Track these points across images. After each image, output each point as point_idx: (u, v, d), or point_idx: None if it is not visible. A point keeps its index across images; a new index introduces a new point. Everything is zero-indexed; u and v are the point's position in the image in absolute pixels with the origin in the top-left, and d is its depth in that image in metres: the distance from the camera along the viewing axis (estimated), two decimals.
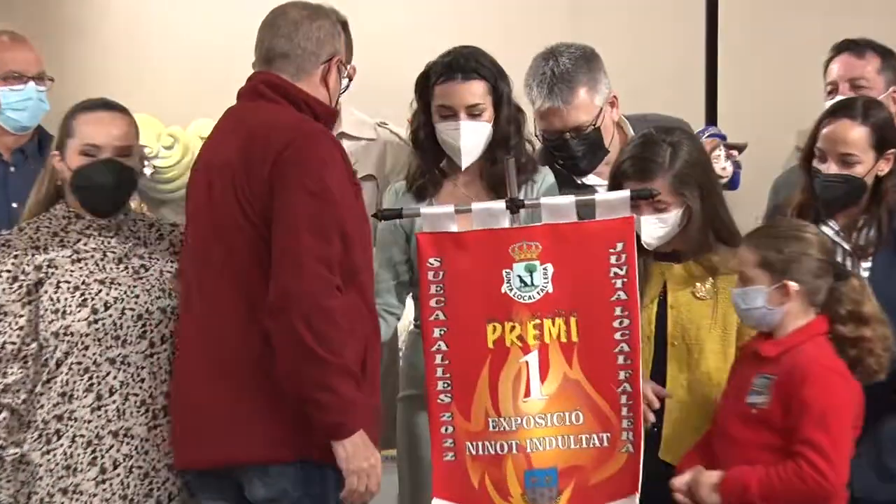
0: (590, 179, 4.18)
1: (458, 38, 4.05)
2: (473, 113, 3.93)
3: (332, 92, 3.65)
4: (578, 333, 3.56)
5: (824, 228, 3.79)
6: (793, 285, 3.54)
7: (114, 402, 3.57)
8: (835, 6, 5.22)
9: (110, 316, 3.58)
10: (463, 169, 3.99)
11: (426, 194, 4.01)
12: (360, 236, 3.55)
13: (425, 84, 3.98)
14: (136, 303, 3.61)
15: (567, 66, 4.07)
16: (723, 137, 4.56)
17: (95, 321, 3.57)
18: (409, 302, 4.20)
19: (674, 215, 3.77)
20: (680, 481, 3.57)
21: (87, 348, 3.56)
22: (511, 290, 3.57)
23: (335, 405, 3.40)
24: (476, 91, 3.94)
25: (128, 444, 3.58)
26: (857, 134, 3.76)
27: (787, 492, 3.44)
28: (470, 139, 3.94)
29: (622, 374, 3.56)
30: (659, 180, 3.73)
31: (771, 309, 3.56)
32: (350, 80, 3.90)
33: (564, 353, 3.57)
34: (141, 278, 3.65)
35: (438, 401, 3.61)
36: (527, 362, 3.57)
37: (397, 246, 4.06)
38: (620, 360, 3.56)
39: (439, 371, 3.60)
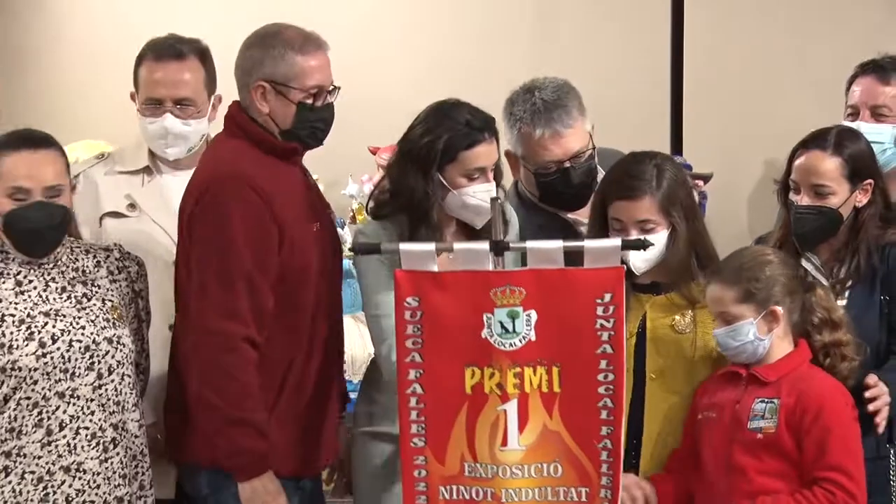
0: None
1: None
2: (492, 170, 3.85)
3: (272, 115, 3.77)
4: (561, 384, 3.42)
5: (805, 263, 3.77)
6: (779, 310, 3.56)
7: (64, 436, 3.51)
8: (798, 33, 5.23)
9: (58, 349, 3.50)
10: (479, 227, 3.86)
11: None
12: (295, 270, 3.72)
13: (445, 152, 3.77)
14: (82, 334, 3.54)
15: (556, 94, 4.05)
16: (688, 167, 4.56)
17: (43, 355, 3.49)
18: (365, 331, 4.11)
19: (661, 236, 3.73)
20: None
21: (35, 383, 3.49)
22: (491, 335, 3.43)
23: (231, 452, 3.65)
24: (496, 147, 3.87)
25: (80, 478, 3.53)
26: (828, 165, 3.73)
27: None
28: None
29: (604, 430, 3.43)
30: (647, 199, 3.70)
31: (762, 339, 3.56)
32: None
33: (545, 403, 3.44)
34: (85, 308, 3.57)
35: (412, 444, 3.48)
36: (505, 411, 3.44)
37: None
38: (603, 414, 3.42)
39: (413, 414, 3.47)
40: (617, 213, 3.72)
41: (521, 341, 3.42)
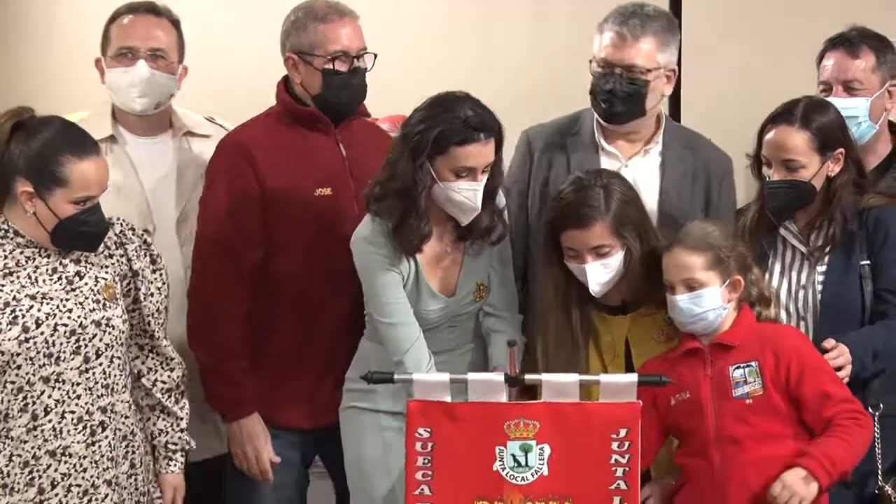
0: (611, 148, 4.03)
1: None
2: (486, 170, 3.76)
3: (304, 85, 3.99)
4: None
5: (783, 232, 3.82)
6: (741, 280, 3.59)
7: (49, 421, 3.44)
8: (797, 5, 5.14)
9: (42, 333, 3.42)
10: (464, 224, 3.81)
11: (416, 251, 3.78)
12: (281, 233, 3.92)
13: (437, 143, 3.70)
14: (68, 318, 3.45)
15: (650, 12, 3.96)
16: None
17: (26, 339, 3.41)
18: None
19: (616, 259, 3.70)
20: (776, 490, 3.43)
21: (19, 367, 3.41)
22: (504, 468, 3.38)
23: (212, 398, 4.00)
24: (492, 149, 3.76)
25: (65, 462, 3.46)
26: (797, 140, 3.75)
27: (862, 444, 3.50)
28: (481, 196, 3.77)
29: None
30: (598, 225, 3.67)
31: (725, 307, 3.58)
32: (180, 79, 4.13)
33: None
34: (74, 290, 3.48)
35: None
36: None
37: (400, 286, 3.83)
38: None
39: None
40: (570, 242, 3.69)
41: (533, 475, 3.36)
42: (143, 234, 3.64)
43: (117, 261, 3.57)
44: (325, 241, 3.93)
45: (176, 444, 3.69)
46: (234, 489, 4.10)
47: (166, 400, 3.67)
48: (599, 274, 3.68)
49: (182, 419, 3.69)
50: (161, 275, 3.64)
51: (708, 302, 3.56)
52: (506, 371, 3.44)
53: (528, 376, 3.45)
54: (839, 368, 3.59)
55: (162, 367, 3.67)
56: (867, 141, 4.04)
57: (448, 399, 3.40)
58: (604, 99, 3.94)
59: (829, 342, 3.61)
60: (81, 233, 3.47)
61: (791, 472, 3.44)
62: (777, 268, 3.87)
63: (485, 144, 3.71)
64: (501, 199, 3.88)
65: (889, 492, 3.68)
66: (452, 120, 3.68)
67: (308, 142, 4.00)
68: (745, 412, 3.51)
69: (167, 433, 3.68)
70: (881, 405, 3.68)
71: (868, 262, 3.75)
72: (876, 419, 3.64)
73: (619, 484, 3.33)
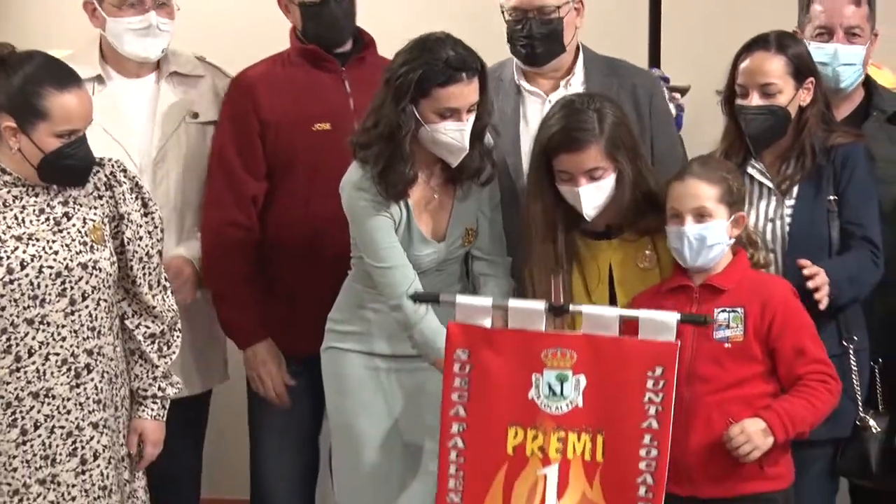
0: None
1: None
2: (471, 110, 3.73)
3: (295, 24, 4.15)
4: (604, 454, 3.37)
5: (750, 170, 3.82)
6: (744, 215, 3.63)
7: (33, 363, 3.43)
8: None
9: (27, 275, 3.41)
10: (454, 166, 3.78)
11: (401, 196, 3.76)
12: (280, 164, 4.05)
13: (419, 86, 3.68)
14: (54, 260, 3.44)
15: None
16: (666, 80, 4.52)
17: (11, 281, 3.40)
18: None
19: (609, 181, 3.69)
20: (734, 432, 3.49)
21: (3, 309, 3.41)
22: (538, 396, 3.39)
23: (223, 324, 4.16)
24: (476, 89, 3.72)
25: (49, 404, 3.45)
26: (774, 64, 3.78)
27: (825, 408, 3.54)
28: (468, 137, 3.74)
29: None
30: (593, 148, 3.65)
31: (728, 242, 3.60)
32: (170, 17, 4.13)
33: (587, 472, 3.37)
34: (62, 230, 3.47)
35: (448, 499, 3.44)
36: (545, 475, 3.38)
37: (392, 230, 3.82)
38: (641, 491, 3.34)
39: (452, 468, 3.43)
40: (563, 166, 3.68)
41: (567, 406, 3.37)
42: (135, 177, 3.61)
43: (106, 202, 3.54)
44: (324, 175, 3.96)
45: (146, 390, 3.65)
46: (252, 413, 4.25)
47: (146, 346, 3.63)
48: (593, 197, 3.67)
49: (158, 367, 3.65)
50: (152, 219, 3.60)
51: (715, 234, 3.56)
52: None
53: (571, 307, 3.44)
54: (816, 289, 3.59)
55: (146, 313, 3.64)
56: (850, 90, 4.05)
57: (488, 324, 3.41)
58: (523, 45, 3.98)
59: (805, 261, 3.61)
60: (68, 167, 3.44)
61: (752, 421, 3.48)
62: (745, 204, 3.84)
63: (467, 84, 3.68)
64: (490, 140, 3.86)
65: (870, 423, 3.74)
66: (433, 62, 3.65)
67: (311, 78, 4.10)
68: (722, 355, 3.53)
69: (142, 379, 3.65)
70: (855, 338, 3.74)
71: (835, 197, 3.77)
72: (851, 353, 3.73)
73: (651, 423, 3.32)
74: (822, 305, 3.62)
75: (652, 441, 3.32)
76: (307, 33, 4.11)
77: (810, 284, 3.61)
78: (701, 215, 3.56)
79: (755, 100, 3.77)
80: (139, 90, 4.13)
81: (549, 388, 3.37)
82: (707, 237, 3.56)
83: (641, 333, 3.35)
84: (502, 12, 4.01)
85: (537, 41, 3.97)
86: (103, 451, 3.52)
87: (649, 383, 3.33)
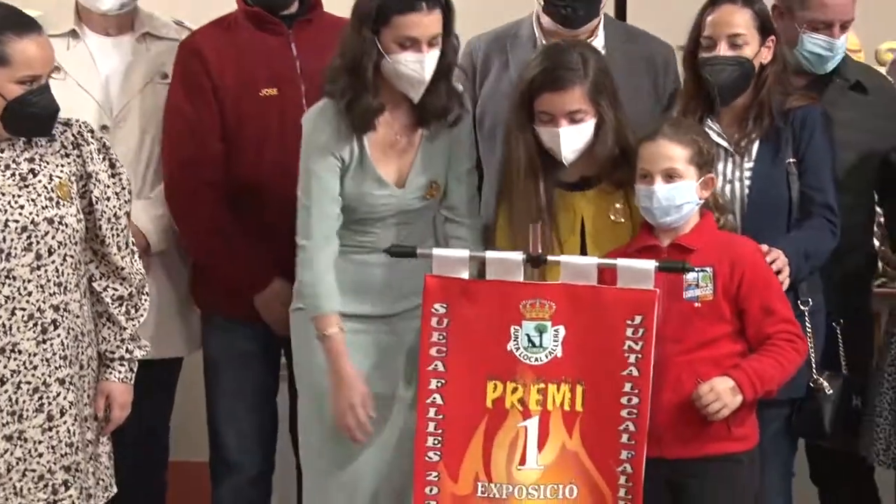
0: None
1: None
2: (433, 44, 3.66)
3: None
4: (584, 403, 3.37)
5: (707, 130, 3.77)
6: (713, 177, 3.61)
7: None
8: None
9: None
10: (416, 101, 3.71)
11: (367, 128, 3.70)
12: (231, 128, 3.99)
13: (379, 13, 3.65)
14: (20, 214, 3.40)
15: None
16: None
17: None
18: None
19: (590, 126, 3.64)
20: (703, 391, 3.48)
21: None
22: (518, 348, 3.38)
23: (226, 280, 4.06)
24: (437, 21, 3.66)
25: (15, 359, 3.40)
26: (742, 15, 3.78)
27: (791, 367, 3.55)
28: (430, 70, 3.67)
29: (624, 454, 3.36)
30: (577, 89, 3.61)
31: (698, 203, 3.59)
32: None
33: (566, 422, 3.38)
34: (27, 186, 3.43)
35: (426, 458, 3.43)
36: (525, 428, 3.39)
37: (332, 173, 3.74)
38: (624, 438, 3.36)
39: (431, 426, 3.42)
40: (545, 106, 3.63)
41: (547, 356, 3.37)
42: (101, 138, 3.58)
43: (73, 160, 3.51)
44: (273, 141, 3.94)
45: (114, 352, 3.58)
46: (208, 375, 4.16)
47: (114, 308, 3.58)
48: (573, 140, 3.62)
49: (125, 329, 3.58)
50: (120, 180, 3.56)
51: (685, 194, 3.55)
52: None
53: (549, 257, 3.43)
54: (779, 272, 3.62)
55: (114, 275, 3.58)
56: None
57: (466, 276, 3.40)
58: (564, 5, 3.93)
59: (763, 246, 3.63)
60: (32, 115, 3.41)
61: (721, 380, 3.48)
62: None
63: (427, 14, 3.63)
64: (459, 85, 3.82)
65: (823, 384, 3.75)
66: None
67: (256, 42, 4.03)
68: (692, 315, 3.52)
69: (109, 342, 3.59)
70: (810, 301, 3.74)
71: (795, 160, 3.78)
72: (806, 315, 3.73)
73: (631, 370, 3.33)
74: (784, 286, 3.64)
75: (633, 389, 3.33)
76: None
77: (772, 267, 3.63)
78: (670, 176, 3.54)
79: (723, 51, 3.76)
80: (112, 48, 4.09)
81: (529, 339, 3.36)
82: (676, 197, 3.54)
83: (620, 282, 3.36)
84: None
85: (579, 3, 3.92)
86: (70, 407, 3.47)
87: (629, 331, 3.33)
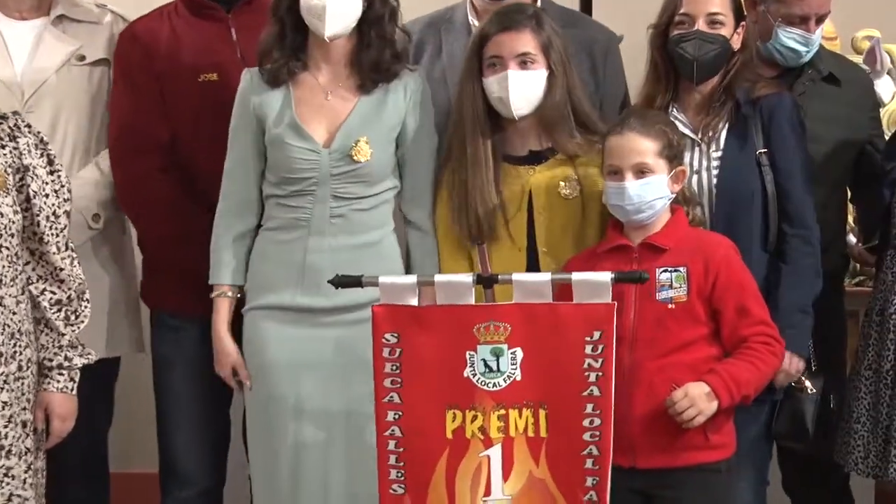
0: None
1: None
2: None
3: None
4: (548, 428, 3.23)
5: (672, 120, 3.68)
6: (684, 170, 3.53)
7: None
8: None
9: None
10: (327, 37, 3.57)
11: (278, 80, 3.63)
12: (172, 114, 3.89)
13: None
14: None
15: None
16: None
17: None
18: None
19: (539, 76, 3.57)
20: (677, 397, 3.37)
21: None
22: (474, 374, 3.25)
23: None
24: None
25: None
26: None
27: (769, 370, 3.46)
28: (338, 3, 3.54)
29: (589, 481, 3.22)
30: (528, 32, 3.57)
31: (669, 197, 3.49)
32: None
33: (531, 449, 3.24)
34: None
35: (391, 491, 3.29)
36: (488, 457, 3.25)
37: (252, 135, 3.70)
38: (588, 463, 3.21)
39: (392, 458, 3.29)
40: (496, 49, 3.57)
41: (505, 381, 3.23)
42: (39, 133, 3.48)
43: (10, 152, 3.40)
44: (213, 127, 3.80)
45: (52, 360, 3.46)
46: (158, 381, 4.03)
47: (52, 313, 3.46)
48: (522, 85, 3.52)
49: (64, 335, 3.46)
50: (59, 178, 3.46)
51: (657, 189, 3.44)
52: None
53: (500, 276, 3.30)
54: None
55: (52, 277, 3.46)
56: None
57: (414, 303, 3.27)
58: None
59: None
60: None
61: (696, 385, 3.37)
62: None
63: None
64: (404, 45, 3.70)
65: (805, 384, 3.67)
66: None
67: (195, 29, 3.94)
68: (665, 316, 3.41)
69: (47, 349, 3.47)
70: None
71: (765, 150, 3.66)
72: None
73: (591, 390, 3.19)
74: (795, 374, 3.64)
75: (594, 410, 3.19)
76: None
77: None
78: (641, 171, 3.44)
79: (701, 28, 3.66)
80: (26, 31, 4.00)
81: (485, 364, 3.24)
82: (648, 193, 3.44)
83: (576, 297, 3.23)
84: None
85: None
86: (2, 407, 3.35)
87: (588, 349, 3.20)
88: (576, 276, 3.24)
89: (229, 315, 3.69)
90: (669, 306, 3.42)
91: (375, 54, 3.62)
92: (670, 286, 3.43)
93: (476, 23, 3.85)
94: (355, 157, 3.60)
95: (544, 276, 3.25)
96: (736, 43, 3.68)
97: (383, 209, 3.67)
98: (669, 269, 3.43)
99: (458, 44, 3.84)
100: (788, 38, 3.86)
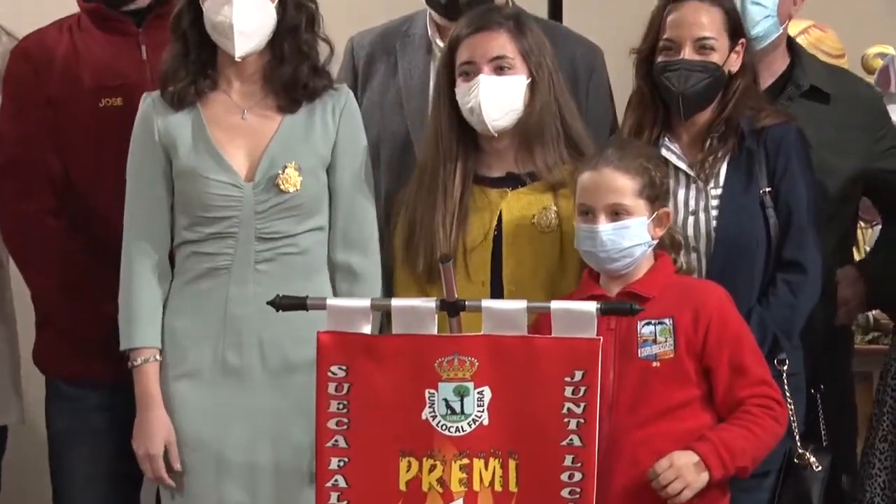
0: None
1: None
2: None
3: None
4: (518, 482, 2.89)
5: (665, 152, 3.39)
6: (668, 212, 3.24)
7: None
8: None
9: None
10: (237, 57, 3.26)
11: (184, 101, 3.31)
12: (70, 140, 3.56)
13: None
14: None
15: None
16: None
17: None
18: None
19: (517, 83, 3.28)
20: (661, 467, 3.07)
21: None
22: (434, 416, 2.91)
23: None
24: None
25: None
26: (711, 14, 3.39)
27: (769, 439, 3.17)
28: (247, 16, 3.24)
29: None
30: (504, 34, 3.29)
31: (651, 242, 3.20)
32: None
33: None
34: None
35: None
36: None
37: (160, 167, 3.36)
38: None
39: None
40: (468, 54, 3.29)
41: (470, 425, 2.90)
42: None
43: None
44: (116, 161, 3.44)
45: None
46: (53, 454, 3.68)
47: None
48: (496, 91, 3.22)
49: None
50: None
51: (635, 234, 3.15)
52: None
53: (468, 302, 2.93)
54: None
55: None
56: (766, 50, 3.61)
57: (367, 330, 2.93)
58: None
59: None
60: None
61: (683, 454, 3.06)
62: None
63: None
64: (326, 58, 3.37)
65: (810, 459, 3.32)
66: None
67: (99, 46, 3.61)
68: (650, 376, 3.11)
69: None
70: (787, 361, 3.29)
71: (770, 189, 3.36)
72: (784, 377, 3.28)
73: (571, 439, 2.85)
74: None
75: (575, 462, 2.85)
76: None
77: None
78: (616, 213, 3.14)
79: (688, 55, 3.35)
80: None
81: (447, 404, 2.90)
82: (623, 239, 3.14)
83: (555, 330, 2.89)
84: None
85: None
86: None
87: (568, 391, 2.86)
88: (555, 304, 2.90)
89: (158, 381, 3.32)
90: (654, 364, 3.12)
91: (290, 70, 3.30)
92: (654, 341, 3.13)
93: (439, 42, 3.56)
94: (282, 187, 3.27)
95: (519, 304, 2.90)
96: (735, 64, 3.38)
97: (317, 252, 3.32)
98: (653, 321, 3.12)
99: (417, 63, 3.58)
100: None
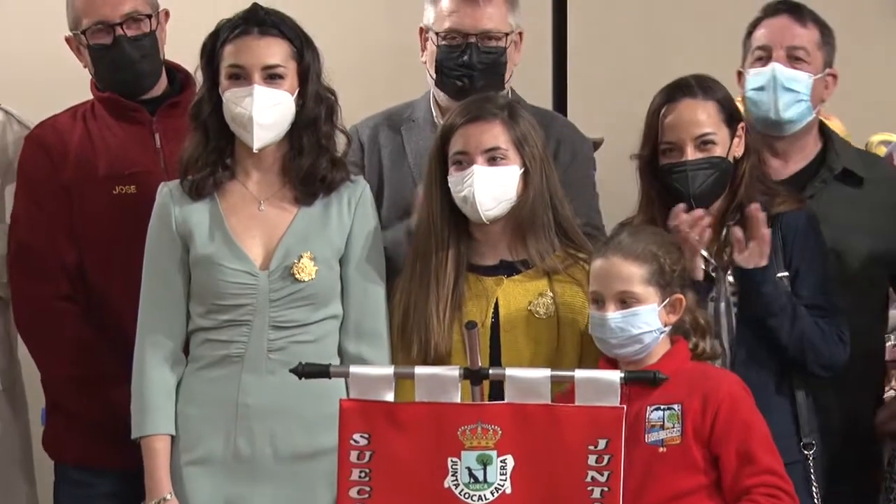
0: None
1: None
2: (272, 75, 3.27)
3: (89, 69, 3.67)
4: None
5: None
6: (681, 298, 3.18)
7: None
8: None
9: None
10: (256, 149, 3.27)
11: (203, 191, 3.31)
12: (84, 230, 3.56)
13: (213, 45, 3.31)
14: None
15: None
16: None
17: None
18: None
19: (511, 173, 3.27)
20: None
21: None
22: (457, 485, 2.87)
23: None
24: (276, 51, 3.28)
25: None
26: (707, 110, 3.39)
27: None
28: (266, 109, 3.26)
29: None
30: (498, 125, 3.28)
31: (663, 330, 3.16)
32: None
33: None
34: None
35: None
36: None
37: (178, 257, 3.35)
38: None
39: None
40: (461, 144, 3.27)
41: (493, 493, 2.86)
42: None
43: None
44: (129, 249, 3.44)
45: None
46: None
47: None
48: (490, 182, 3.21)
49: None
50: None
51: (645, 321, 3.12)
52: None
53: (491, 371, 2.92)
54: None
55: None
56: (798, 135, 3.63)
57: (390, 398, 2.90)
58: (459, 75, 3.54)
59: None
60: None
61: None
62: None
63: (258, 38, 3.24)
64: (342, 149, 3.39)
65: None
66: (231, 19, 3.29)
67: (113, 132, 3.61)
68: (656, 462, 3.06)
69: None
70: (813, 443, 3.32)
71: (787, 273, 3.36)
72: (811, 460, 3.32)
73: None
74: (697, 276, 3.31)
75: None
76: (101, 80, 3.63)
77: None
78: (624, 301, 3.12)
79: (690, 156, 3.36)
80: None
81: (470, 473, 2.86)
82: (632, 327, 3.11)
83: (579, 399, 2.87)
84: (425, 38, 3.60)
85: (477, 72, 3.53)
86: None
87: (591, 459, 2.83)
88: (579, 373, 2.87)
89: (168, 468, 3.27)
90: (660, 450, 3.08)
91: (309, 163, 3.30)
92: (662, 426, 3.10)
93: (441, 121, 3.56)
94: (297, 276, 3.26)
95: (543, 373, 2.88)
96: (738, 149, 3.39)
97: (329, 342, 3.30)
98: (662, 406, 3.09)
99: (425, 141, 3.56)
100: (753, 80, 3.58)
